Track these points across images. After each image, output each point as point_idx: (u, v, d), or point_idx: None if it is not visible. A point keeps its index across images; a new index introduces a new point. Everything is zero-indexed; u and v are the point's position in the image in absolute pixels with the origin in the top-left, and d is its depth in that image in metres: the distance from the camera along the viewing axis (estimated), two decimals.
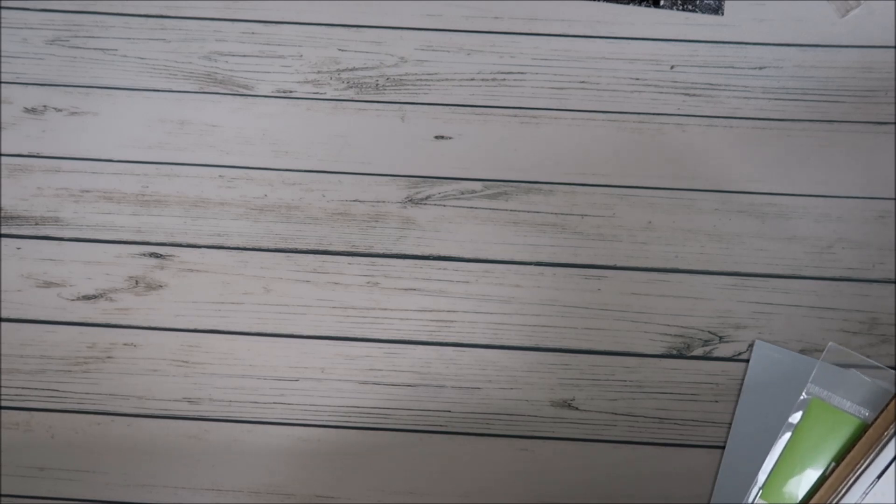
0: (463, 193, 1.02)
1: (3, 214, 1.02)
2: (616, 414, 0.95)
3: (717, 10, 1.09)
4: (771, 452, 0.58)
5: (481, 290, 0.99)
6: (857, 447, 0.56)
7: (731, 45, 1.07)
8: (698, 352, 0.96)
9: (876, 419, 0.57)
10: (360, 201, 1.03)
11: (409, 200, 1.02)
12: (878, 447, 0.56)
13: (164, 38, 1.09)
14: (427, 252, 1.00)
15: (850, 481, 0.56)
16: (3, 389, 0.96)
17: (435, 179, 1.03)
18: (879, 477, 0.55)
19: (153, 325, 0.98)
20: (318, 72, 1.07)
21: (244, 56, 1.08)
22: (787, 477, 0.57)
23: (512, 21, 1.09)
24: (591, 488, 0.93)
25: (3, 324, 0.98)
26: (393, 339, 0.98)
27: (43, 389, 0.96)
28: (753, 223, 1.01)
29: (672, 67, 1.07)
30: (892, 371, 0.58)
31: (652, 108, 1.05)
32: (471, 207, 1.02)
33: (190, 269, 1.00)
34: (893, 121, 1.04)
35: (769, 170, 1.03)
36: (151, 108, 1.06)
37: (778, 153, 1.03)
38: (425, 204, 1.02)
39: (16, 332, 0.98)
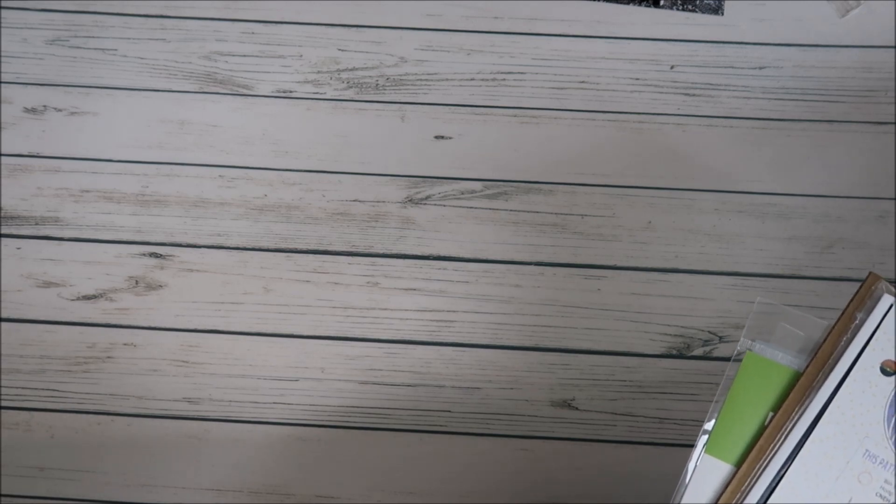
0: (463, 193, 1.02)
1: (3, 214, 1.02)
2: (616, 414, 0.95)
3: (717, 10, 1.09)
4: (713, 408, 0.60)
5: (481, 290, 0.99)
6: (791, 395, 0.58)
7: (731, 45, 1.07)
8: (698, 352, 0.96)
9: (807, 367, 0.59)
10: (360, 201, 1.03)
11: (409, 200, 1.02)
12: (811, 394, 0.58)
13: (164, 38, 1.09)
14: (427, 252, 1.00)
15: (788, 428, 0.57)
16: (3, 389, 0.96)
17: (435, 179, 1.03)
18: (816, 422, 0.57)
19: (153, 325, 0.98)
20: (318, 72, 1.07)
21: (244, 56, 1.08)
22: (728, 430, 0.59)
23: (512, 21, 1.09)
24: (591, 488, 0.93)
25: (3, 324, 0.98)
26: (393, 339, 0.98)
27: (43, 389, 0.96)
28: (753, 223, 1.01)
29: (672, 67, 1.07)
30: (822, 321, 0.60)
31: (652, 108, 1.05)
32: (471, 207, 1.02)
33: (190, 269, 1.00)
34: (893, 121, 1.04)
35: (769, 170, 1.03)
36: (151, 108, 1.06)
37: (778, 153, 1.03)
38: (425, 204, 1.02)
39: (16, 332, 0.98)
